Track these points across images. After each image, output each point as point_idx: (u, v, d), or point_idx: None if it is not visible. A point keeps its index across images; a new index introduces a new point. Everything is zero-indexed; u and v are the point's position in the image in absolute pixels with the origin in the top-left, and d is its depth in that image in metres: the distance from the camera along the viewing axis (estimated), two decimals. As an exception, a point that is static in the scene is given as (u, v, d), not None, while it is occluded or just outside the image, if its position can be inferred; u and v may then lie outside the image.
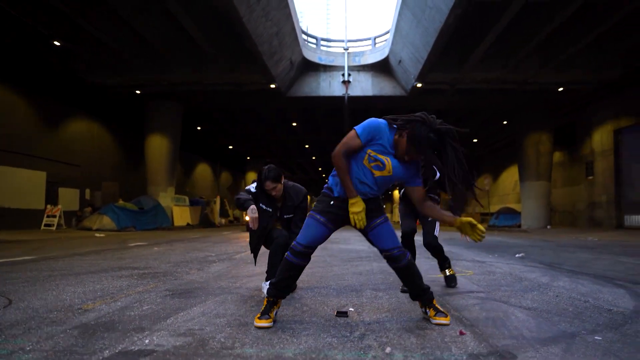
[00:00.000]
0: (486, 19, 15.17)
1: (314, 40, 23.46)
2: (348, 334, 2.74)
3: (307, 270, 5.50)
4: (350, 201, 2.95)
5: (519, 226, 24.10)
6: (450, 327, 2.90)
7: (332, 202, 3.05)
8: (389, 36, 20.82)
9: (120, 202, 21.46)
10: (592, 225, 22.80)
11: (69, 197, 21.66)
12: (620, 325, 2.98)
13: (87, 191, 23.47)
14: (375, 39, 23.25)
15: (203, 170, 40.82)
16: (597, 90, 20.98)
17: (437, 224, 4.45)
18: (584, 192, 24.06)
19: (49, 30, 15.60)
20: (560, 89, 20.57)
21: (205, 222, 27.90)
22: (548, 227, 22.85)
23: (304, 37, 22.47)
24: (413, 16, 16.57)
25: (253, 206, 3.99)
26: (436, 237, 4.46)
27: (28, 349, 2.40)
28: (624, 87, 20.24)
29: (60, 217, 18.80)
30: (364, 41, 23.73)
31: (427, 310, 3.07)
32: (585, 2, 13.60)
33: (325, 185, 3.16)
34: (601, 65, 18.29)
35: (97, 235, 15.57)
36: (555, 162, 25.30)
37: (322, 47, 23.64)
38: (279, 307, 3.10)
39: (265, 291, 3.86)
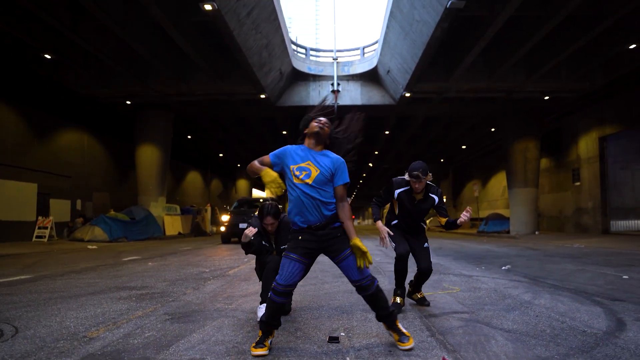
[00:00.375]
0: (472, 32, 15.53)
1: (303, 51, 23.72)
2: (340, 362, 2.94)
3: (300, 288, 5.71)
4: (261, 175, 3.26)
5: (508, 232, 24.43)
6: (434, 352, 3.12)
7: (299, 237, 3.30)
8: (378, 47, 21.12)
9: (112, 212, 21.52)
10: (579, 231, 23.20)
11: (60, 209, 21.68)
12: (591, 348, 3.21)
13: (78, 202, 23.50)
14: (364, 49, 23.54)
15: (194, 179, 40.88)
16: (582, 99, 21.45)
17: (430, 252, 4.71)
18: (571, 198, 24.46)
19: (39, 43, 15.70)
20: (546, 98, 20.99)
21: (196, 231, 27.97)
22: (536, 232, 23.20)
23: (293, 47, 22.73)
24: (401, 29, 16.87)
25: (247, 230, 4.30)
26: (431, 263, 4.71)
27: (42, 383, 2.58)
28: (607, 95, 20.70)
29: (51, 228, 18.83)
30: (353, 51, 24.00)
31: (391, 334, 3.33)
32: (569, 15, 13.95)
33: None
34: (584, 75, 18.70)
35: (90, 247, 15.66)
36: (542, 169, 25.69)
37: (311, 57, 23.89)
38: (273, 337, 3.30)
39: (259, 314, 4.13)
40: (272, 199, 16.10)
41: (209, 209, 31.06)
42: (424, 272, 4.69)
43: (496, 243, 17.57)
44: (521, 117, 23.75)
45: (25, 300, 5.26)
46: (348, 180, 3.29)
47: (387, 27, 18.08)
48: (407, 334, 3.29)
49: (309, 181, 3.22)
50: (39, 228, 18.66)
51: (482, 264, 9.38)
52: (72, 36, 15.12)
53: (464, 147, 35.10)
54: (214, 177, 45.91)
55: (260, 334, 3.23)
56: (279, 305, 3.25)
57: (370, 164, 44.79)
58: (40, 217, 19.06)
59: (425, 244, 4.75)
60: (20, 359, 3.01)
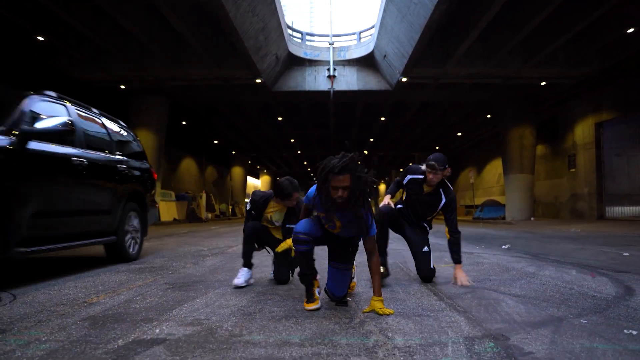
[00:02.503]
0: (470, 15, 15.38)
1: (299, 35, 23.53)
2: (349, 321, 2.87)
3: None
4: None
5: (504, 218, 24.47)
6: (444, 313, 3.06)
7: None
8: (374, 31, 20.95)
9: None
10: (574, 217, 23.24)
11: (54, 194, 21.46)
12: (603, 309, 3.16)
13: (72, 187, 23.28)
14: (360, 33, 23.37)
15: (188, 165, 40.61)
16: (579, 85, 21.38)
17: (431, 256, 4.49)
18: (567, 184, 24.50)
19: (32, 25, 15.45)
20: (543, 84, 20.92)
21: (192, 217, 27.86)
22: (532, 218, 23.23)
23: (290, 31, 22.52)
24: (398, 11, 16.71)
25: None
26: (433, 269, 4.44)
27: (44, 339, 2.50)
28: (604, 81, 20.65)
29: (45, 213, 18.63)
30: (349, 36, 23.84)
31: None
32: (566, -1, 13.85)
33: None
34: (581, 61, 18.61)
35: (85, 231, 15.52)
36: (539, 155, 25.68)
37: (307, 42, 23.71)
38: (318, 286, 3.45)
39: (235, 281, 4.29)
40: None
41: (204, 195, 30.97)
42: (423, 280, 4.46)
43: (493, 228, 17.57)
44: (518, 103, 23.69)
45: (20, 273, 5.16)
46: (375, 232, 3.29)
47: (384, 10, 17.92)
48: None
49: (334, 231, 3.33)
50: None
51: (482, 243, 9.36)
52: (65, 17, 14.85)
53: (459, 134, 35.02)
54: (209, 164, 45.66)
55: (306, 289, 3.38)
56: (304, 253, 3.29)
57: (366, 152, 44.67)
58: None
59: (426, 248, 4.44)
60: (20, 320, 2.93)
